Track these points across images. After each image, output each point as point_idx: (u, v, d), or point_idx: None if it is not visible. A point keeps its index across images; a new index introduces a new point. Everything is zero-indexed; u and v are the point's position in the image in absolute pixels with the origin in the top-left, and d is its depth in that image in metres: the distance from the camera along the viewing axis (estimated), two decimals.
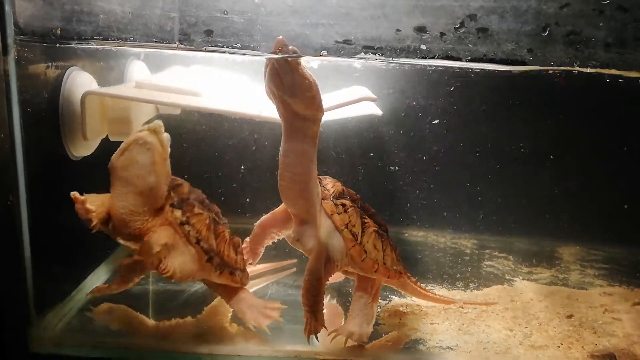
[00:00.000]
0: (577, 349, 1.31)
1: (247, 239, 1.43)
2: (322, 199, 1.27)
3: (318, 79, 1.14)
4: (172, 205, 1.26)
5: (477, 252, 1.90)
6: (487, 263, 1.82)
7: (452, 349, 1.31)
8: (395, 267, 1.37)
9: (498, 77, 1.27)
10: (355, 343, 1.27)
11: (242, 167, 1.80)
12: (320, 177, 1.33)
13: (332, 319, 1.36)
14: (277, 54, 1.10)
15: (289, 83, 1.11)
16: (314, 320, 1.21)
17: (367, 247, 1.30)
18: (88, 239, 1.32)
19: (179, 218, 1.25)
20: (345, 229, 1.26)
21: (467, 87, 1.71)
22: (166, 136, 1.20)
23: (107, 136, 1.44)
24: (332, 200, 1.29)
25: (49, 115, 1.31)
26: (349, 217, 1.28)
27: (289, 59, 1.10)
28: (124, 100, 1.36)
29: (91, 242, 1.35)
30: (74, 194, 1.21)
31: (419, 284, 1.48)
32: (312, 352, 1.26)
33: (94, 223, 1.21)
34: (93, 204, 1.21)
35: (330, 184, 1.33)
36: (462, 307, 1.48)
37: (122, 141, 1.40)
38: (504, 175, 1.93)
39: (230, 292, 1.37)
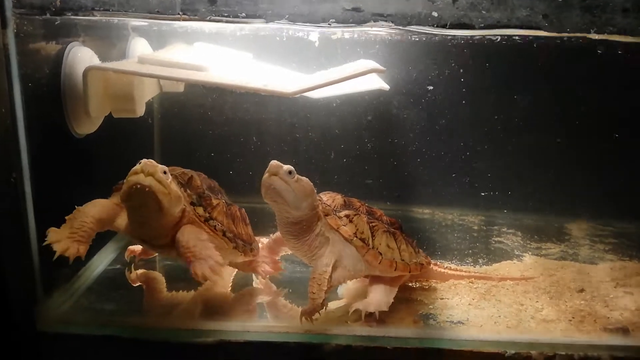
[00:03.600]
0: (590, 322, 1.30)
1: None
2: (325, 215, 1.30)
3: (322, 55, 1.12)
4: (192, 203, 1.26)
5: (485, 228, 1.88)
6: (496, 239, 1.80)
7: (462, 323, 1.30)
8: (414, 260, 1.37)
9: (506, 45, 1.25)
10: (373, 310, 1.27)
11: (251, 146, 1.78)
12: (320, 194, 1.36)
13: None
14: (273, 176, 1.19)
15: (291, 199, 1.21)
16: (312, 305, 1.22)
17: (381, 249, 1.32)
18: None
19: (203, 215, 1.26)
20: (355, 238, 1.28)
21: (476, 57, 1.67)
22: (161, 168, 1.18)
23: (110, 113, 1.41)
24: (335, 214, 1.31)
25: (51, 91, 1.28)
26: (356, 226, 1.30)
27: (287, 178, 1.19)
28: (127, 76, 1.33)
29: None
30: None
31: (448, 266, 1.49)
32: (323, 327, 1.25)
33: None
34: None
35: (330, 199, 1.35)
36: (472, 282, 1.47)
37: (126, 118, 1.42)
38: (510, 150, 1.91)
39: (248, 264, 1.43)
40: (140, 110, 1.39)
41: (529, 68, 1.77)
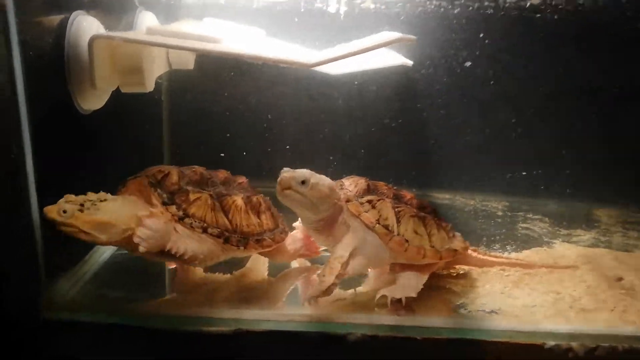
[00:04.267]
0: (633, 312, 1.21)
1: None
2: (346, 201, 1.23)
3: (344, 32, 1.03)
4: (164, 203, 1.18)
5: (509, 214, 1.80)
6: (522, 225, 1.71)
7: (496, 312, 1.22)
8: (446, 246, 1.28)
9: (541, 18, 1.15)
10: (400, 296, 1.19)
11: (266, 126, 1.69)
12: (343, 180, 1.28)
13: None
14: (286, 190, 1.13)
15: (309, 207, 1.16)
16: (317, 287, 1.16)
17: (408, 235, 1.23)
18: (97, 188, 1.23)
19: (176, 213, 1.17)
20: (377, 225, 1.21)
21: (508, 32, 1.58)
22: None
23: (118, 88, 1.32)
24: (357, 200, 1.22)
25: (54, 62, 1.19)
26: (379, 212, 1.23)
27: (301, 189, 1.14)
28: (136, 48, 1.23)
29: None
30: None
31: (486, 252, 1.40)
32: (347, 316, 1.17)
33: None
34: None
35: (353, 184, 1.27)
36: (503, 270, 1.38)
37: (135, 94, 1.33)
38: (534, 133, 1.82)
39: (274, 253, 1.34)
40: (150, 85, 1.30)
41: (558, 45, 1.68)
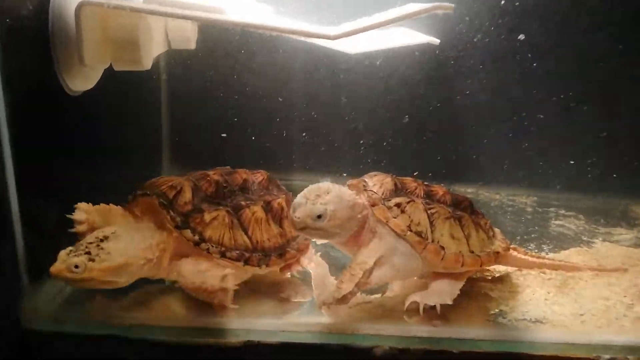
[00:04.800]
0: None
1: None
2: (372, 205, 1.09)
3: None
4: (177, 227, 1.06)
5: (540, 210, 1.66)
6: (556, 222, 1.58)
7: (542, 322, 1.08)
8: (487, 250, 1.14)
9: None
10: (434, 303, 1.06)
11: (274, 111, 1.54)
12: (365, 178, 1.14)
13: None
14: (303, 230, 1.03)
15: (331, 237, 1.06)
16: (333, 294, 1.03)
17: (444, 241, 1.08)
18: (94, 191, 1.10)
19: (191, 239, 1.06)
20: (409, 232, 1.06)
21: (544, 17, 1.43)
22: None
23: (111, 65, 1.16)
24: (384, 204, 1.07)
25: (35, 34, 1.05)
26: (409, 217, 1.08)
27: (318, 225, 1.02)
28: (131, 18, 1.08)
29: (98, 194, 1.12)
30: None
31: (529, 252, 1.26)
32: (373, 326, 1.03)
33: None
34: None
35: (378, 184, 1.12)
36: (543, 273, 1.24)
37: (130, 73, 1.18)
38: (565, 123, 1.68)
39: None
40: (147, 62, 1.14)
41: (602, 26, 1.53)
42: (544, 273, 1.24)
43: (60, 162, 1.14)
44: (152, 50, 1.22)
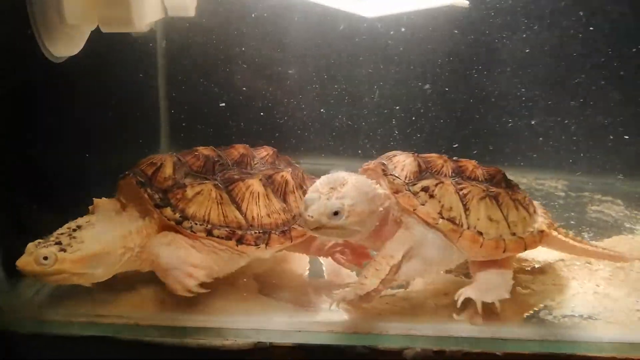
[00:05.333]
0: None
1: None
2: (395, 192, 0.95)
3: None
4: (156, 206, 0.94)
5: (573, 195, 1.52)
6: (593, 208, 1.43)
7: (593, 318, 0.96)
8: (530, 229, 1.00)
9: None
10: (492, 300, 0.92)
11: (280, 82, 1.39)
12: (383, 159, 0.99)
13: None
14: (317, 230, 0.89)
15: (350, 235, 0.91)
16: (355, 290, 0.91)
17: (481, 226, 0.95)
18: (80, 175, 0.96)
19: (172, 217, 0.94)
20: (441, 220, 0.93)
21: None
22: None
23: (98, 27, 1.02)
24: (409, 190, 0.93)
25: None
26: (439, 201, 0.95)
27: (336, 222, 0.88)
28: None
29: (85, 182, 0.99)
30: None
31: (570, 234, 1.11)
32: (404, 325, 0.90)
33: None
34: None
35: (399, 166, 0.98)
36: (589, 263, 1.11)
37: (120, 36, 1.04)
38: (597, 102, 1.54)
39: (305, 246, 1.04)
40: (139, 23, 1.00)
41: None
42: (589, 263, 1.11)
43: (40, 145, 1.01)
44: (146, 13, 1.08)
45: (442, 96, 1.52)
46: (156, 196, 0.94)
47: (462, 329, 0.91)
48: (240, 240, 0.94)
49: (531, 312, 0.97)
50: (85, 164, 1.14)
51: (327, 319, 0.93)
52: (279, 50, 1.39)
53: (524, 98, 1.54)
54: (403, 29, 1.31)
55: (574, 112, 1.55)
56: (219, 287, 0.98)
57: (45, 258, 0.86)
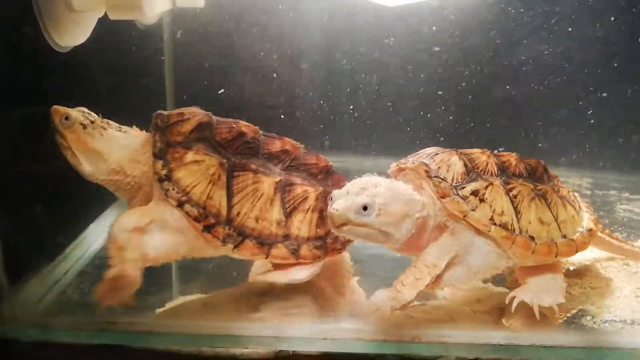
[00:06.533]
0: None
1: None
2: (442, 196, 0.87)
3: None
4: (154, 154, 0.91)
5: (600, 193, 1.47)
6: (622, 207, 1.38)
7: (637, 323, 0.89)
8: (580, 229, 0.93)
9: None
10: (549, 304, 0.86)
11: (295, 75, 1.33)
12: (424, 158, 0.89)
13: None
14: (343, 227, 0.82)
15: (379, 238, 0.84)
16: (391, 298, 0.83)
17: (533, 230, 0.88)
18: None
19: (158, 172, 0.89)
20: (493, 227, 0.86)
21: None
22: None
23: (105, 14, 0.98)
24: (457, 194, 0.85)
25: None
26: (491, 206, 0.87)
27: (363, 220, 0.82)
28: None
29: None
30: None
31: (614, 234, 1.05)
32: (435, 331, 0.84)
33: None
34: None
35: (444, 167, 0.89)
36: (627, 265, 1.05)
37: (129, 24, 0.98)
38: (619, 94, 1.47)
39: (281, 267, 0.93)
40: (148, 11, 0.96)
41: None
42: (627, 265, 1.05)
43: (44, 140, 0.95)
44: (155, 1, 1.02)
45: (465, 92, 1.46)
46: (158, 145, 0.89)
47: (501, 336, 0.85)
48: (208, 228, 0.86)
49: (571, 317, 0.90)
50: None
51: (354, 326, 0.86)
52: (290, 42, 1.32)
53: (547, 94, 1.48)
54: (426, 20, 1.25)
55: (597, 107, 1.50)
56: (234, 291, 0.93)
57: (67, 119, 0.90)
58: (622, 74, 1.48)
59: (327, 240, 0.92)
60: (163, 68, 1.41)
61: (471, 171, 0.89)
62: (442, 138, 1.41)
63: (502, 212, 0.86)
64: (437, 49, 1.34)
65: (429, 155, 0.91)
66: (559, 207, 0.92)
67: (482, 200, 0.86)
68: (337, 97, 1.42)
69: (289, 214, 0.91)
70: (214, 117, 0.93)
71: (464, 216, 0.84)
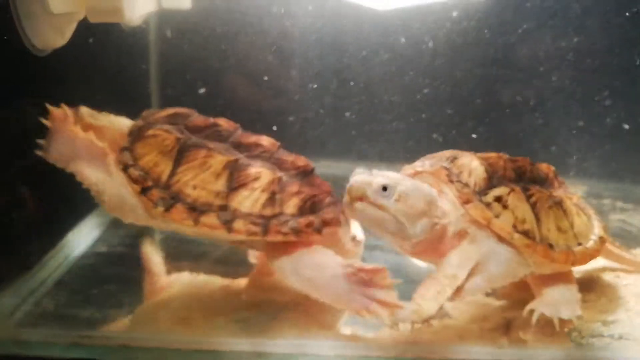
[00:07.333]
0: None
1: None
2: (465, 202, 0.86)
3: None
4: (129, 133, 0.95)
5: (594, 202, 1.43)
6: (615, 217, 1.36)
7: (625, 338, 0.87)
8: (592, 237, 0.92)
9: None
10: (569, 317, 0.84)
11: (284, 79, 1.31)
12: (443, 163, 0.87)
13: None
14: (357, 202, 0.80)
15: (393, 227, 0.82)
16: (413, 313, 0.80)
17: (552, 237, 0.86)
18: (64, 180, 0.88)
19: (124, 146, 0.93)
20: (516, 235, 0.84)
21: None
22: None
23: (86, 18, 0.95)
24: (480, 200, 0.84)
25: None
26: (513, 213, 0.86)
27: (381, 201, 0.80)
28: None
29: (69, 184, 0.90)
30: None
31: (616, 242, 1.04)
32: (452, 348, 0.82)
33: None
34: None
35: (465, 172, 0.87)
36: (618, 277, 1.03)
37: (110, 27, 0.96)
38: (611, 103, 1.46)
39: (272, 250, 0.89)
40: (130, 15, 0.93)
41: None
42: (618, 277, 1.04)
43: (26, 137, 0.92)
44: (137, 3, 1.00)
45: (460, 98, 1.45)
46: (134, 128, 0.94)
47: (513, 353, 0.83)
48: (144, 191, 0.87)
49: (563, 332, 0.85)
50: None
51: (364, 343, 0.83)
52: (278, 46, 1.30)
53: (541, 101, 1.47)
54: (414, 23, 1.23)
55: (593, 116, 1.49)
56: (212, 304, 0.90)
57: None
58: (617, 83, 1.48)
59: (272, 221, 0.87)
60: (149, 70, 1.40)
61: (492, 177, 0.87)
62: (427, 145, 1.41)
63: (524, 219, 0.85)
64: (426, 52, 1.32)
65: (450, 159, 0.89)
66: (574, 215, 0.91)
67: (505, 207, 0.84)
68: (326, 100, 1.40)
69: (234, 189, 0.88)
70: (200, 115, 0.95)
71: (488, 223, 0.82)
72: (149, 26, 1.32)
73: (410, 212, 0.79)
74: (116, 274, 1.03)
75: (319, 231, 0.86)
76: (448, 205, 0.84)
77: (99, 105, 1.07)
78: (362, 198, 0.78)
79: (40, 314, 0.89)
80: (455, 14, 1.25)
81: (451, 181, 0.85)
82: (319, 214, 0.87)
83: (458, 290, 0.80)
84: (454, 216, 0.84)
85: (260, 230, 0.85)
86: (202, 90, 1.29)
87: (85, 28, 1.05)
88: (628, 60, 1.44)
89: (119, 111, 1.15)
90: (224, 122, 0.94)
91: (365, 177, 0.78)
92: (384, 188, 0.78)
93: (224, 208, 0.86)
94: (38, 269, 1.01)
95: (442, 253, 0.83)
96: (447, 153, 0.91)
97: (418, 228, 0.80)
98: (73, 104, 0.99)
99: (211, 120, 0.94)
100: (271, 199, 0.87)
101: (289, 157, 0.93)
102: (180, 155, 0.88)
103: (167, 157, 0.88)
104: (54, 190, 1.00)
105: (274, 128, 1.24)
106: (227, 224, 0.85)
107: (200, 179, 0.87)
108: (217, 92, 1.38)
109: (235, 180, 0.88)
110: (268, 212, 0.87)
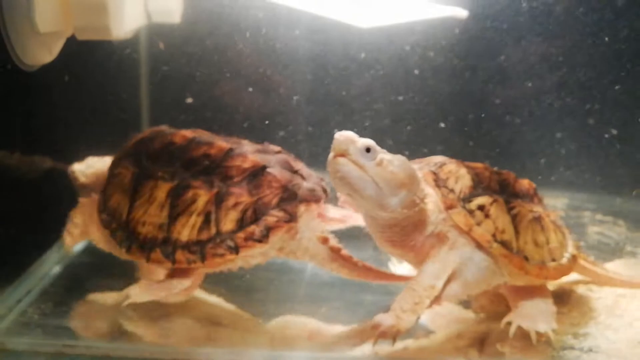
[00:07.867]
0: None
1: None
2: (448, 207, 0.87)
3: None
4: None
5: (574, 214, 1.47)
6: (594, 229, 1.38)
7: (594, 351, 0.89)
8: (566, 254, 0.95)
9: None
10: (545, 330, 0.87)
11: (275, 95, 1.33)
12: (432, 167, 0.89)
13: None
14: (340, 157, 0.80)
15: (370, 192, 0.80)
16: (393, 325, 0.81)
17: (528, 250, 0.89)
18: (48, 194, 0.90)
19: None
20: (495, 244, 0.86)
21: None
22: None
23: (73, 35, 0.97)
24: (464, 206, 0.86)
25: None
26: (494, 222, 0.88)
27: (362, 160, 0.80)
28: None
29: (52, 199, 0.92)
30: None
31: (590, 258, 1.06)
32: None
33: None
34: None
35: (452, 178, 0.89)
36: (590, 290, 1.06)
37: (98, 43, 0.98)
38: (597, 116, 1.48)
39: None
40: (117, 31, 0.94)
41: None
42: (591, 291, 1.06)
43: (13, 152, 0.95)
44: (126, 19, 1.02)
45: (442, 109, 1.46)
46: (113, 160, 1.01)
47: None
48: (112, 233, 0.91)
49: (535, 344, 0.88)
50: (60, 176, 1.08)
51: (352, 354, 0.85)
52: (266, 60, 1.33)
53: (523, 112, 1.49)
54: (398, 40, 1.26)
55: (575, 127, 1.51)
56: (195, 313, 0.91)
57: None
58: (600, 96, 1.50)
59: (208, 245, 0.87)
60: (139, 82, 1.42)
61: (477, 186, 0.90)
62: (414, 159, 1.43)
63: (504, 230, 0.87)
64: (410, 69, 1.35)
65: (437, 165, 0.92)
66: (551, 231, 0.94)
67: (487, 216, 0.87)
68: (312, 114, 1.41)
69: (174, 218, 0.89)
70: (169, 129, 0.98)
71: (469, 230, 0.85)
72: (139, 39, 1.34)
73: (390, 179, 0.79)
74: (102, 284, 1.03)
75: (262, 240, 0.85)
76: (431, 206, 0.86)
77: (88, 120, 1.11)
78: (344, 154, 0.78)
79: (25, 323, 0.90)
80: (438, 31, 1.28)
81: (438, 186, 0.87)
82: (263, 220, 0.85)
83: (436, 298, 0.82)
84: (435, 217, 0.85)
85: (198, 257, 0.86)
86: (189, 100, 1.32)
87: (74, 42, 1.07)
88: (612, 72, 1.48)
89: (108, 126, 1.18)
90: (178, 138, 0.94)
91: (352, 134, 0.79)
92: (367, 149, 0.79)
93: (166, 241, 0.87)
94: (22, 280, 1.02)
95: (418, 251, 0.85)
96: (436, 159, 0.93)
97: (396, 199, 0.80)
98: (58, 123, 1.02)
99: (166, 139, 0.94)
100: (207, 221, 0.87)
101: (235, 160, 0.91)
102: (134, 191, 0.90)
103: (126, 195, 0.91)
104: (39, 200, 1.02)
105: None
106: (170, 257, 0.86)
107: (148, 214, 0.89)
108: (206, 104, 1.40)
109: (175, 208, 0.88)
110: (204, 236, 0.86)
